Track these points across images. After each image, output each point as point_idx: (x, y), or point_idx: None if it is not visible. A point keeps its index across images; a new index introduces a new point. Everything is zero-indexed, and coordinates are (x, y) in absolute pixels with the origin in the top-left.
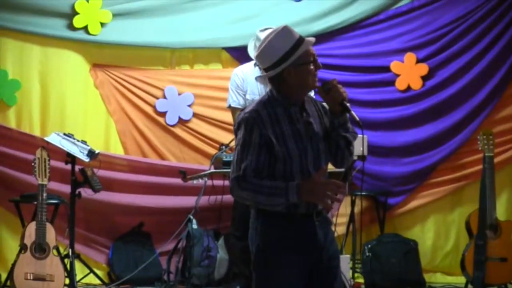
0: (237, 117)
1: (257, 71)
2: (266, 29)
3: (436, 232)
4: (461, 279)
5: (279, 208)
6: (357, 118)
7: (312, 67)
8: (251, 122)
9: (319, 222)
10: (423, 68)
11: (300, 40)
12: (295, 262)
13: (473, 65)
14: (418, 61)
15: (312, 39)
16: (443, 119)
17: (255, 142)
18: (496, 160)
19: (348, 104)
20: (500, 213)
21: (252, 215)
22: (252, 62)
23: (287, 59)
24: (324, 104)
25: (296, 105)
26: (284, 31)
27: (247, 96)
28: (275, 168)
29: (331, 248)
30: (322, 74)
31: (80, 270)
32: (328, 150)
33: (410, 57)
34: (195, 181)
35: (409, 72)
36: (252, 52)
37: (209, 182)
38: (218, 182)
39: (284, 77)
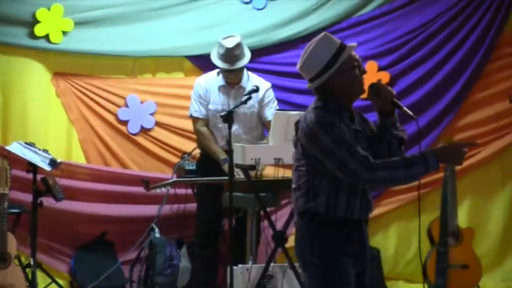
0: (313, 124)
1: (220, 80)
2: (228, 37)
3: (399, 239)
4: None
5: (415, 180)
6: (411, 113)
7: (357, 72)
8: (330, 122)
9: (365, 230)
10: (385, 76)
11: (342, 46)
12: (353, 264)
13: (434, 73)
14: (380, 69)
15: (354, 44)
16: (405, 127)
17: (346, 134)
18: (457, 168)
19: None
20: (462, 220)
21: (301, 225)
22: (216, 71)
23: (331, 67)
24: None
25: (347, 111)
26: (324, 39)
27: (210, 106)
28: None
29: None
30: (286, 82)
31: (42, 279)
32: (376, 155)
33: (371, 65)
34: (158, 190)
35: (370, 80)
36: (215, 59)
37: (172, 191)
38: (180, 191)
39: (330, 85)
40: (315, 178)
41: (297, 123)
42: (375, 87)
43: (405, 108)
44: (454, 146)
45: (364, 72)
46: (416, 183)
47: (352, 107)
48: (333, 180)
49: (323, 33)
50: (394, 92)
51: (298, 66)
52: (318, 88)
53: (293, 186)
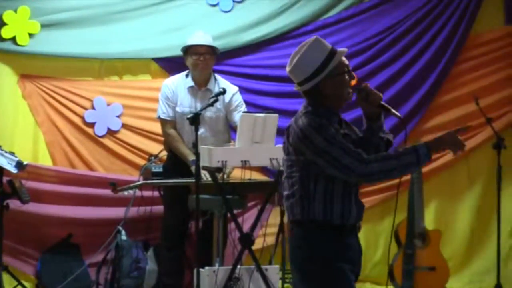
0: (305, 127)
1: (188, 82)
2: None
3: (366, 241)
4: None
5: (410, 170)
6: (398, 114)
7: (346, 77)
8: (322, 125)
9: (357, 236)
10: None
11: (333, 51)
12: (351, 270)
13: (401, 75)
14: None
15: (345, 50)
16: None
17: (338, 135)
18: (424, 169)
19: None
20: (428, 222)
21: (298, 234)
22: (184, 73)
23: (322, 71)
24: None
25: (336, 115)
26: (315, 43)
27: (177, 109)
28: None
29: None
30: (252, 84)
31: (8, 282)
32: None
33: None
34: (126, 192)
35: None
36: (185, 46)
37: (138, 193)
38: (147, 193)
39: (320, 89)
40: (309, 184)
41: (288, 128)
42: (363, 92)
43: (393, 110)
44: (446, 133)
45: (353, 77)
46: (384, 184)
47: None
48: (327, 185)
49: (314, 37)
50: (381, 95)
51: (287, 69)
52: (307, 91)
53: (286, 193)
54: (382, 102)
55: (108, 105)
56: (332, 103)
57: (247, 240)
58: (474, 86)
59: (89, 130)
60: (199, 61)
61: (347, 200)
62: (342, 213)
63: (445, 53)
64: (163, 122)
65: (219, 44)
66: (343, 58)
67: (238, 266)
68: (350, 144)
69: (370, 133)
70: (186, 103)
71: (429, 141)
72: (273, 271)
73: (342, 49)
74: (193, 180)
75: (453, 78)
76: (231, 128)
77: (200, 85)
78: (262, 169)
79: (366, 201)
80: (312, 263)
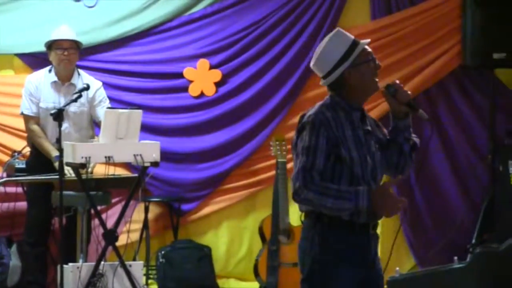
0: (302, 118)
1: (52, 77)
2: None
3: (230, 238)
4: (255, 285)
5: (344, 214)
6: (426, 116)
7: (372, 65)
8: (318, 124)
9: (373, 235)
10: (216, 75)
11: (356, 41)
12: (350, 275)
13: (266, 72)
14: (212, 67)
15: (367, 40)
16: (237, 125)
17: (323, 145)
18: (288, 166)
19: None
20: (293, 218)
21: (306, 225)
22: (47, 68)
23: (346, 60)
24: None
25: (358, 110)
26: (337, 35)
27: (41, 104)
28: (342, 174)
29: (378, 266)
30: (117, 80)
31: None
32: (386, 161)
33: (203, 63)
34: None
35: (202, 78)
36: (52, 37)
37: (1, 189)
38: (10, 189)
39: (344, 80)
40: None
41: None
42: (392, 88)
43: (421, 111)
44: (394, 195)
45: (378, 67)
46: (248, 180)
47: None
48: (333, 180)
49: (336, 29)
50: (410, 94)
51: (311, 63)
52: (332, 84)
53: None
54: (411, 101)
55: None
56: (358, 94)
57: (111, 236)
58: None
59: None
60: (63, 56)
61: None
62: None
63: (310, 49)
64: (26, 118)
65: (83, 39)
66: (367, 47)
67: (102, 262)
68: (320, 162)
69: (395, 133)
70: (50, 99)
71: (375, 195)
72: (137, 267)
73: (364, 40)
74: (57, 177)
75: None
76: (95, 124)
77: (64, 80)
78: (126, 165)
79: (230, 197)
80: (310, 256)
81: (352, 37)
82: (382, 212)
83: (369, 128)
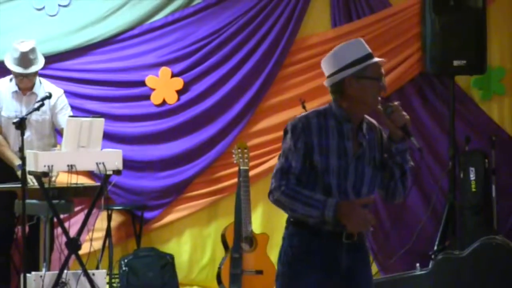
0: (288, 122)
1: (13, 86)
2: (23, 41)
3: (193, 245)
4: None
5: (312, 220)
6: (418, 145)
7: (375, 84)
8: (298, 129)
9: (349, 245)
10: (178, 83)
11: (370, 55)
12: (317, 278)
13: (228, 79)
14: (173, 75)
15: (383, 60)
16: (199, 133)
17: (300, 149)
18: (251, 173)
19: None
20: (256, 226)
21: (285, 228)
22: (8, 77)
23: (351, 67)
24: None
25: (351, 122)
26: (356, 42)
27: (3, 113)
28: (316, 181)
29: (360, 280)
30: (79, 89)
31: None
32: (380, 181)
33: (165, 71)
34: None
35: (164, 86)
36: (9, 63)
37: None
38: None
39: (343, 86)
40: None
41: None
42: (389, 109)
43: (413, 139)
44: (362, 210)
45: (384, 89)
46: (211, 188)
47: (378, 128)
48: (314, 183)
49: (358, 38)
50: (409, 119)
51: (322, 59)
52: (331, 87)
53: None
54: (405, 125)
55: None
56: (355, 106)
57: (73, 244)
58: (301, 90)
59: None
60: (23, 82)
61: None
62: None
63: (272, 56)
64: None
65: (45, 48)
66: (380, 65)
67: (65, 271)
68: (296, 165)
69: (388, 155)
70: (12, 108)
71: (342, 207)
72: (100, 275)
73: (381, 59)
74: (19, 185)
75: (280, 81)
76: (57, 132)
77: (25, 90)
78: (89, 173)
79: (192, 205)
80: (279, 260)
81: (369, 50)
82: (348, 225)
83: (362, 141)
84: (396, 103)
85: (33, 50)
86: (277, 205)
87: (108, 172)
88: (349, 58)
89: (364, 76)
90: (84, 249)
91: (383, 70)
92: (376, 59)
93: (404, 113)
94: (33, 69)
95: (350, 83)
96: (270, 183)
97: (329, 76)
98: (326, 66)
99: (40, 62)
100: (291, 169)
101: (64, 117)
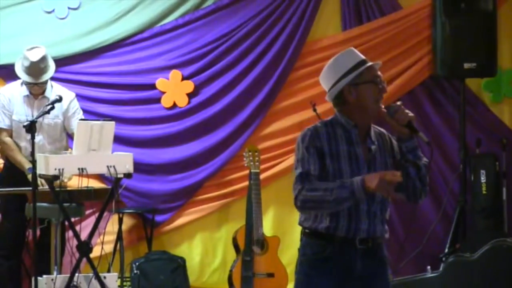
0: (301, 132)
1: (24, 90)
2: (33, 48)
3: (204, 248)
4: None
5: (343, 206)
6: (426, 139)
7: (373, 87)
8: (308, 137)
9: (363, 250)
10: (189, 86)
11: (363, 61)
12: (332, 285)
13: (238, 82)
14: (184, 78)
15: (379, 63)
16: (210, 135)
17: (313, 153)
18: (262, 176)
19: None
20: (267, 228)
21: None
22: (19, 81)
23: (347, 76)
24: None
25: (357, 128)
26: (348, 52)
27: (14, 117)
28: None
29: (377, 284)
30: (89, 92)
31: None
32: (397, 184)
33: (175, 74)
34: None
35: (174, 89)
36: (20, 72)
37: None
38: None
39: (344, 96)
40: None
41: None
42: (392, 109)
43: (421, 133)
44: (383, 173)
45: (384, 90)
46: (222, 191)
47: (387, 134)
48: None
49: (348, 48)
50: (413, 116)
51: (320, 77)
52: (333, 100)
53: None
54: (410, 122)
55: None
56: (358, 113)
57: (85, 248)
58: (312, 92)
59: None
60: (34, 89)
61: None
62: (329, 222)
63: (282, 59)
64: (0, 131)
65: (55, 51)
66: (375, 69)
67: (76, 274)
68: (313, 167)
69: (400, 155)
70: (23, 111)
71: (367, 178)
72: (112, 278)
73: (376, 62)
74: (30, 189)
75: (291, 84)
76: (68, 136)
77: (36, 94)
78: (100, 177)
79: (203, 208)
80: (296, 269)
81: (362, 57)
82: (375, 186)
83: (371, 147)
84: (398, 103)
85: (43, 59)
86: (306, 207)
87: (119, 175)
88: (344, 68)
89: (361, 81)
90: (95, 252)
91: (379, 72)
92: (369, 63)
93: (408, 111)
94: (44, 78)
95: (349, 92)
96: (281, 186)
97: (328, 90)
98: (324, 81)
99: (51, 70)
100: (310, 172)
101: (76, 121)
